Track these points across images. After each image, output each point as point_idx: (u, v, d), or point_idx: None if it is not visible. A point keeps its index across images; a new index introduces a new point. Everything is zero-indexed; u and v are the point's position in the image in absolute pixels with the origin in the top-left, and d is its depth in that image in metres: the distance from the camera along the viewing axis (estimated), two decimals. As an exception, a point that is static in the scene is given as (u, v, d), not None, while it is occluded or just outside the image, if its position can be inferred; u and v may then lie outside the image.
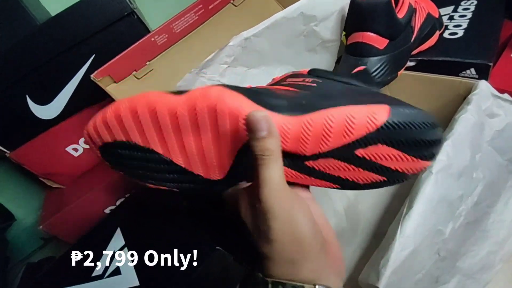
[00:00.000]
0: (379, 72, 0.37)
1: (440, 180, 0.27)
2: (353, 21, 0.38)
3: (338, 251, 0.20)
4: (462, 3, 0.47)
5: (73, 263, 0.41)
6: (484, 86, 0.34)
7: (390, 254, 0.23)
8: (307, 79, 0.22)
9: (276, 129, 0.18)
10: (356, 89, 0.20)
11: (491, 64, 0.37)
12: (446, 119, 0.34)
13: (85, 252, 0.41)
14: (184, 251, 0.35)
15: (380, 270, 0.23)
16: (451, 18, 0.46)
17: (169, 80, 0.38)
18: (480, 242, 0.32)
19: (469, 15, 0.44)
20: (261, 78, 0.40)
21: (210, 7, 0.43)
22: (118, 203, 0.51)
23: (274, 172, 0.17)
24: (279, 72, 0.42)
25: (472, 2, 0.46)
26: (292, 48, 0.41)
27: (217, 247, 0.33)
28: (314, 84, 0.21)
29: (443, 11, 0.47)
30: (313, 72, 0.23)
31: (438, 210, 0.26)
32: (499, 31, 0.41)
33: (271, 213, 0.17)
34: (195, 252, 0.34)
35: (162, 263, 0.34)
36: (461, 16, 0.45)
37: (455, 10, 0.47)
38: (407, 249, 0.24)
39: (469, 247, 0.32)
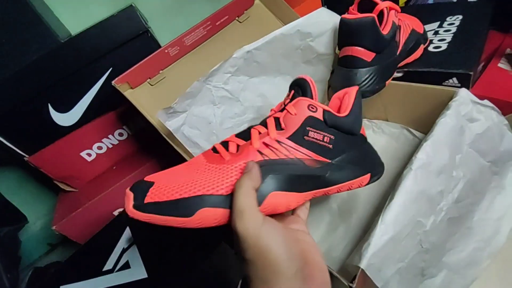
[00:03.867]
0: (367, 82, 0.41)
1: (420, 176, 0.29)
2: (343, 37, 0.42)
3: (325, 277, 0.22)
4: (448, 18, 0.51)
5: (84, 259, 0.43)
6: (463, 93, 0.37)
7: (371, 239, 0.26)
8: (326, 137, 0.27)
9: (255, 175, 0.23)
10: (359, 155, 0.29)
11: (471, 73, 0.40)
12: (431, 124, 0.37)
13: (96, 249, 0.44)
14: (191, 245, 0.37)
15: (362, 253, 0.25)
16: (436, 33, 0.50)
17: (180, 87, 0.42)
18: (465, 238, 0.34)
19: (454, 29, 0.48)
20: (261, 86, 0.45)
21: (217, 23, 0.47)
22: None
23: (243, 202, 0.21)
24: (278, 81, 0.46)
25: (458, 17, 0.50)
26: (290, 60, 0.45)
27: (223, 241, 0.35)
28: (331, 146, 0.27)
29: (429, 27, 0.51)
30: (330, 121, 0.27)
31: (418, 202, 0.29)
32: (482, 42, 0.44)
33: (239, 236, 0.20)
34: (200, 246, 0.36)
35: (170, 257, 0.37)
36: (446, 31, 0.49)
37: (440, 26, 0.50)
38: (387, 234, 0.26)
39: (454, 243, 0.34)
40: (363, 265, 0.25)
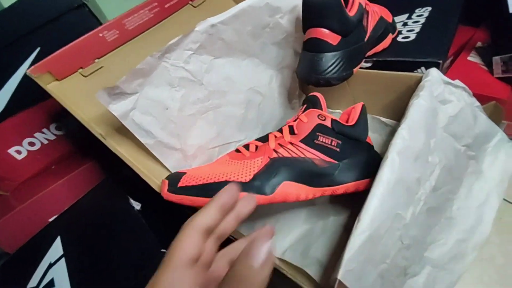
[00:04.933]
0: (334, 68, 0.38)
1: (397, 162, 0.26)
2: (307, 17, 0.39)
3: None
4: (417, 10, 0.50)
5: (10, 273, 0.36)
6: (435, 73, 0.34)
7: (349, 241, 0.21)
8: (333, 141, 0.32)
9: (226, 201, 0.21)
10: (366, 160, 0.33)
11: (440, 62, 0.38)
12: (400, 109, 0.34)
13: (21, 263, 0.36)
14: (126, 260, 0.31)
15: (340, 261, 0.21)
16: (405, 24, 0.49)
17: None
18: (447, 230, 0.31)
19: (423, 20, 0.47)
20: (227, 68, 0.39)
21: (166, 6, 0.42)
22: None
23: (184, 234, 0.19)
24: (245, 64, 0.42)
25: (427, 9, 0.49)
26: (258, 40, 0.41)
27: (162, 250, 0.29)
28: (338, 149, 0.32)
29: (398, 18, 0.50)
30: (337, 129, 0.32)
31: (396, 193, 0.25)
32: (452, 33, 0.42)
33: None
34: (137, 260, 0.30)
35: (100, 274, 0.30)
36: (414, 22, 0.48)
37: (409, 17, 0.49)
38: (364, 233, 0.22)
39: (436, 236, 0.30)
40: (340, 275, 0.20)
